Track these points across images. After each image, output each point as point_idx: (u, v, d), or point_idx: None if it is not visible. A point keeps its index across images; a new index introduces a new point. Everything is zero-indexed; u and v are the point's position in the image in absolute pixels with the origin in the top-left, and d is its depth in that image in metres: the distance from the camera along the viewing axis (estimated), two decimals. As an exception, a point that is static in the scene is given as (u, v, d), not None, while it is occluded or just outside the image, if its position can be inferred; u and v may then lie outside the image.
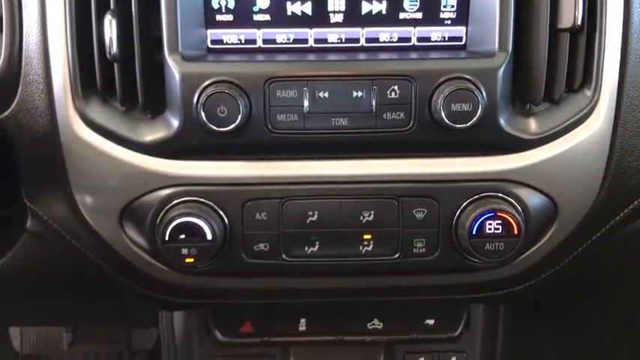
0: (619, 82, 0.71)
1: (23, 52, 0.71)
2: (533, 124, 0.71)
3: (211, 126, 0.66)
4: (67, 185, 0.73)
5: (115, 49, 0.67)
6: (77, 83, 0.70)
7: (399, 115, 0.68)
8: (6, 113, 0.73)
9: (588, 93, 0.71)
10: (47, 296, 0.96)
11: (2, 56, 0.72)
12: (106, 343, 1.77)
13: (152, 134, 0.70)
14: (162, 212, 0.70)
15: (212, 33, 0.72)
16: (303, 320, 0.86)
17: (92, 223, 0.74)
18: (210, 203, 0.70)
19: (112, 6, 0.68)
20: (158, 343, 1.77)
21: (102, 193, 0.73)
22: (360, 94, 0.68)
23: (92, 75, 0.70)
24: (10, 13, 0.72)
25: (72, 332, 1.66)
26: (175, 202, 0.70)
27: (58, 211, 0.76)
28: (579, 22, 0.68)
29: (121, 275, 0.79)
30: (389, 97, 0.68)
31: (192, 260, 0.70)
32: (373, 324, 0.86)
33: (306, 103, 0.68)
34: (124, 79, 0.69)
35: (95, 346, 1.77)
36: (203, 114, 0.66)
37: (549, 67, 0.69)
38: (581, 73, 0.71)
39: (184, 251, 0.69)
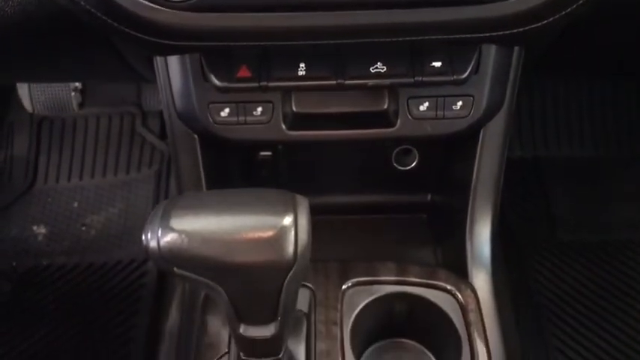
0: None
1: None
2: None
3: None
4: None
5: None
6: None
7: None
8: None
9: None
10: (48, 51, 0.92)
11: None
12: (117, 106, 1.79)
13: None
14: None
15: None
16: (302, 64, 0.80)
17: None
18: None
19: None
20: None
21: None
22: None
23: None
24: None
25: (80, 92, 1.66)
26: None
27: None
28: None
29: (109, 17, 0.73)
30: None
31: None
32: (376, 67, 0.80)
33: None
34: None
35: (106, 108, 1.79)
36: None
37: None
38: None
39: None
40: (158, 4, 0.69)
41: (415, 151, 1.04)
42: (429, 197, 1.10)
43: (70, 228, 1.62)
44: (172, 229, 0.60)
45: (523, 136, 1.71)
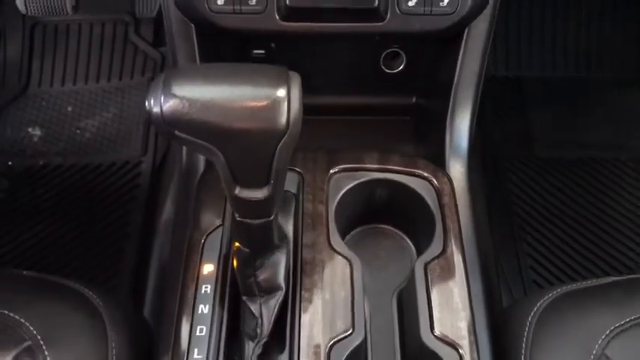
0: None
1: None
2: None
3: None
4: None
5: None
6: None
7: None
8: None
9: None
10: None
11: None
12: (110, 13, 1.79)
13: None
14: None
15: None
16: None
17: None
18: None
19: None
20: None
21: None
22: None
23: None
24: None
25: (75, -2, 1.66)
26: None
27: None
28: None
29: None
30: None
31: None
32: None
33: None
34: None
35: (100, 14, 1.79)
36: None
37: None
38: None
39: None
40: None
41: (403, 55, 1.09)
42: (414, 100, 1.15)
43: (65, 130, 1.66)
44: (174, 95, 0.64)
45: (510, 56, 1.76)
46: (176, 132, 0.67)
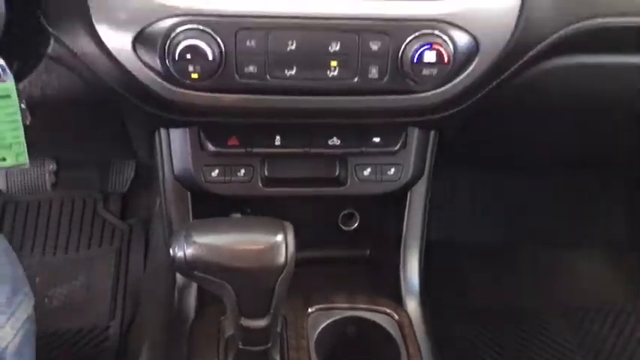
0: None
1: None
2: None
3: None
4: (89, 15, 0.89)
5: None
6: None
7: None
8: None
9: None
10: (58, 122, 1.13)
11: None
12: (83, 189, 1.96)
13: None
14: (171, 37, 0.88)
15: None
16: (277, 137, 1.08)
17: (110, 49, 0.91)
18: (209, 30, 0.88)
19: None
20: (132, 186, 1.98)
21: (118, 22, 0.89)
22: None
23: None
24: None
25: (54, 174, 1.84)
26: (181, 29, 0.88)
27: (79, 38, 0.91)
28: None
29: (134, 97, 0.97)
30: None
31: (196, 76, 0.89)
32: (333, 141, 1.09)
33: None
34: None
35: (72, 191, 1.96)
36: None
37: None
38: None
39: (190, 68, 0.88)
40: (178, 86, 0.94)
41: (357, 215, 1.32)
42: (367, 252, 1.36)
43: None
44: (195, 243, 0.82)
45: (444, 219, 2.02)
46: (195, 272, 0.83)
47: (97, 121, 1.15)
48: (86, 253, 1.86)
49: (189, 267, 0.82)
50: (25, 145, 0.82)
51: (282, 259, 0.82)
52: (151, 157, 1.19)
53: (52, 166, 1.81)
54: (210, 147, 1.07)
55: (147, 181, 1.91)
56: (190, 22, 0.88)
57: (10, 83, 0.79)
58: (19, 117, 0.81)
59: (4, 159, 0.79)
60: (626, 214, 2.06)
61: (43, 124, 0.93)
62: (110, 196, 1.96)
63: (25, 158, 0.81)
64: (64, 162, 1.84)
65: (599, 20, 0.99)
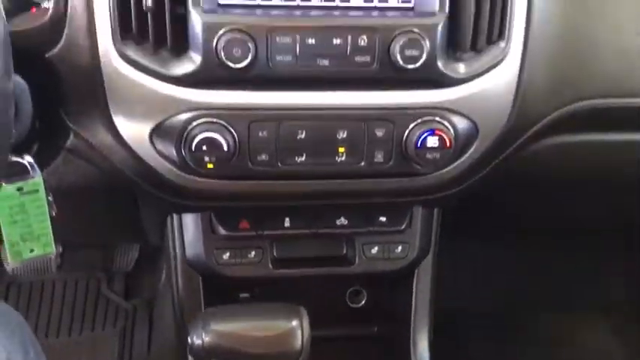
0: (524, 37, 0.97)
1: (69, 2, 0.90)
2: (462, 67, 0.97)
3: (229, 63, 0.88)
4: (107, 110, 0.94)
5: (150, 2, 0.87)
6: (117, 29, 0.90)
7: (366, 58, 0.92)
8: (55, 51, 0.92)
9: (502, 45, 0.97)
10: (71, 208, 1.16)
11: (52, 5, 0.90)
12: (87, 269, 1.97)
13: (178, 69, 0.91)
14: (188, 129, 0.92)
15: None
16: (287, 219, 1.11)
17: (128, 141, 0.95)
18: (224, 123, 0.93)
19: None
20: (137, 265, 1.99)
21: (136, 117, 0.94)
22: (338, 41, 0.91)
23: (128, 21, 0.90)
24: None
25: (60, 256, 1.85)
26: (197, 122, 0.92)
27: (97, 131, 0.96)
28: None
29: (149, 185, 1.00)
30: (359, 44, 0.91)
31: (212, 166, 0.93)
32: (340, 221, 1.13)
33: (298, 47, 0.90)
34: (155, 26, 0.90)
35: (76, 272, 1.96)
36: (222, 54, 0.87)
37: (475, 24, 0.95)
38: (498, 29, 0.97)
39: (206, 159, 0.92)
40: (194, 175, 0.98)
41: (364, 292, 1.33)
42: (375, 329, 1.37)
43: (36, 384, 1.70)
44: (213, 331, 0.84)
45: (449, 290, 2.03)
46: (213, 359, 0.84)
47: (109, 206, 1.18)
48: (90, 334, 1.84)
49: (207, 354, 0.83)
50: (52, 235, 0.85)
51: (298, 344, 0.84)
52: (162, 240, 1.22)
53: (59, 249, 1.82)
54: (222, 231, 1.10)
55: (151, 261, 1.92)
56: (206, 115, 0.92)
57: (38, 179, 0.83)
58: (46, 209, 0.84)
59: (32, 250, 0.82)
60: (626, 275, 2.08)
61: (58, 210, 0.96)
62: (114, 275, 1.96)
63: (51, 248, 0.84)
64: (70, 243, 1.86)
65: (591, 102, 1.05)
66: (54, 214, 0.87)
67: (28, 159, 0.85)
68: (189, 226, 1.12)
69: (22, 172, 0.86)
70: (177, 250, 1.14)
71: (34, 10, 0.90)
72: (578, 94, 1.05)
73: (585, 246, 1.98)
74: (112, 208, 1.19)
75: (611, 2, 1.02)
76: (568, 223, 1.60)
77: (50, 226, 0.85)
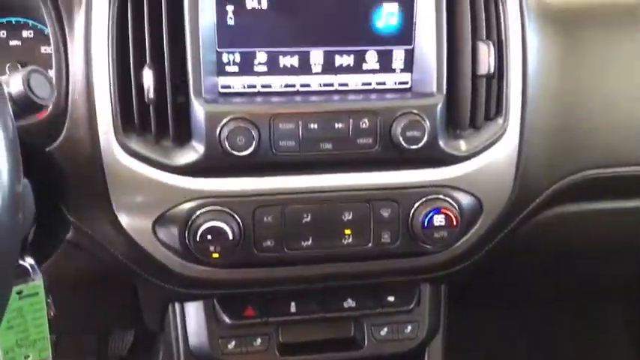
0: (521, 113, 0.98)
1: (70, 95, 0.90)
2: (463, 145, 0.97)
3: (232, 151, 0.87)
4: (109, 202, 0.92)
5: (152, 94, 0.88)
6: (118, 121, 0.89)
7: (368, 140, 0.92)
8: (55, 144, 0.91)
9: (500, 121, 0.98)
10: (70, 300, 1.12)
11: (53, 100, 0.90)
12: (79, 356, 1.89)
13: (181, 159, 0.91)
14: (192, 219, 0.91)
15: (222, 80, 0.93)
16: (293, 304, 1.08)
17: (130, 232, 0.93)
18: (229, 210, 0.91)
19: (147, 60, 0.88)
20: (132, 349, 1.92)
21: (139, 208, 0.92)
22: (340, 125, 0.91)
23: (129, 113, 0.90)
24: (57, 66, 0.91)
25: (54, 344, 1.78)
26: (202, 211, 0.91)
27: (99, 224, 0.94)
28: (492, 70, 0.95)
29: (151, 275, 0.98)
30: (361, 127, 0.92)
31: (217, 255, 0.91)
32: (348, 302, 1.10)
33: (300, 132, 0.90)
34: (157, 117, 0.90)
35: (69, 358, 1.89)
36: (226, 143, 0.87)
37: (472, 103, 0.96)
38: (495, 107, 0.98)
39: (211, 248, 0.90)
40: (197, 264, 0.96)
41: None
42: None
43: None
44: None
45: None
46: None
47: (106, 294, 1.15)
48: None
49: None
50: (49, 339, 0.81)
51: None
52: (161, 328, 1.18)
53: (53, 338, 1.76)
54: (226, 319, 1.07)
55: (147, 345, 1.85)
56: (210, 203, 0.91)
57: (38, 282, 0.80)
58: (44, 312, 0.81)
59: (27, 356, 0.78)
60: (627, 334, 2.05)
61: (55, 301, 0.93)
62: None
63: (47, 353, 0.80)
64: (64, 331, 1.80)
65: (591, 172, 1.05)
66: (52, 315, 0.83)
67: (29, 261, 0.83)
68: (192, 315, 1.08)
69: (23, 274, 0.83)
70: (180, 340, 1.10)
71: (43, 114, 0.90)
72: (578, 165, 1.05)
73: (585, 307, 1.96)
74: (109, 296, 1.16)
75: (605, 75, 1.05)
76: (570, 289, 1.58)
77: (48, 330, 0.81)
